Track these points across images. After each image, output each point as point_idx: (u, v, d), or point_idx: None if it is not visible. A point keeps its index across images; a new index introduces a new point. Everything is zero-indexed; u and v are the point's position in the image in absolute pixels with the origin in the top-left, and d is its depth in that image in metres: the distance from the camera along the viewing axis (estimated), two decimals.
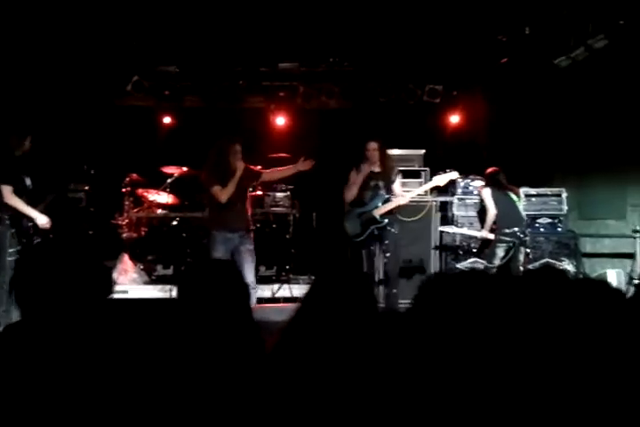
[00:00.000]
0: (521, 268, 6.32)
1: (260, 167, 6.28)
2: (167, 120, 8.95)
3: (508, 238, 6.37)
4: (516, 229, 6.37)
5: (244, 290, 2.02)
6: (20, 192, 5.45)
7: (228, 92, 8.74)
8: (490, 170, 6.74)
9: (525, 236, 6.40)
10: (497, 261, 6.40)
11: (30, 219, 5.40)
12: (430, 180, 6.64)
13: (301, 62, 8.54)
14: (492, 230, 6.61)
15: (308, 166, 5.87)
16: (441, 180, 6.34)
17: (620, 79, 6.64)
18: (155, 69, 8.43)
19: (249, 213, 5.93)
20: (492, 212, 6.51)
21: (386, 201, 6.07)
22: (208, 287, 1.93)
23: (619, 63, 6.53)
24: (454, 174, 6.46)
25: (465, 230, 7.04)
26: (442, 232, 7.24)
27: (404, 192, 6.29)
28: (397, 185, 6.23)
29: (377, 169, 6.13)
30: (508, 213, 6.50)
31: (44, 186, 6.00)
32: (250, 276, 5.59)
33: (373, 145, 6.10)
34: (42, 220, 5.41)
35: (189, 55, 8.07)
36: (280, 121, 9.09)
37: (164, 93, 8.59)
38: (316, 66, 8.58)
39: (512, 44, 7.31)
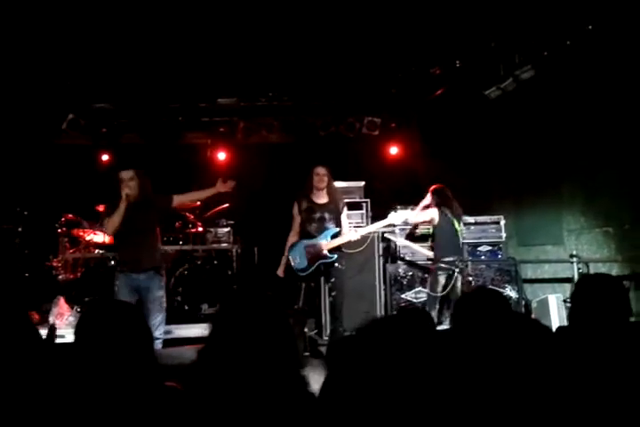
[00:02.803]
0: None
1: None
2: (105, 158, 8.81)
3: (447, 266, 6.40)
4: (454, 257, 6.41)
5: (144, 334, 1.92)
6: None
7: (167, 129, 8.68)
8: (435, 186, 6.67)
9: (465, 264, 6.44)
10: (440, 289, 6.41)
11: None
12: (385, 217, 6.33)
13: (240, 97, 8.55)
14: (432, 259, 6.65)
15: (228, 188, 5.53)
16: (396, 218, 6.24)
17: (547, 108, 6.84)
18: (90, 107, 8.31)
19: (159, 251, 5.41)
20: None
21: (335, 235, 5.85)
22: (101, 331, 1.85)
23: (545, 93, 6.73)
24: (409, 213, 6.50)
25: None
26: (385, 263, 7.24)
27: (354, 227, 6.16)
28: (344, 217, 6.01)
29: (322, 200, 5.91)
30: (448, 241, 6.54)
31: None
32: (157, 330, 5.09)
33: (322, 170, 5.87)
34: None
35: (126, 92, 7.99)
36: (221, 156, 9.06)
37: (101, 131, 8.49)
38: (256, 100, 8.61)
39: (444, 76, 7.49)
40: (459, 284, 6.33)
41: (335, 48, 6.78)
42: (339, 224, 5.90)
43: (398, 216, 6.25)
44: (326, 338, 6.36)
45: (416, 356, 1.63)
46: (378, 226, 6.43)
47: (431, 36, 6.55)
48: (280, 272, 5.92)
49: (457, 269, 6.31)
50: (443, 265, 6.39)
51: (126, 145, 8.62)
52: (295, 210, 5.93)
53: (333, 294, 5.83)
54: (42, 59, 6.65)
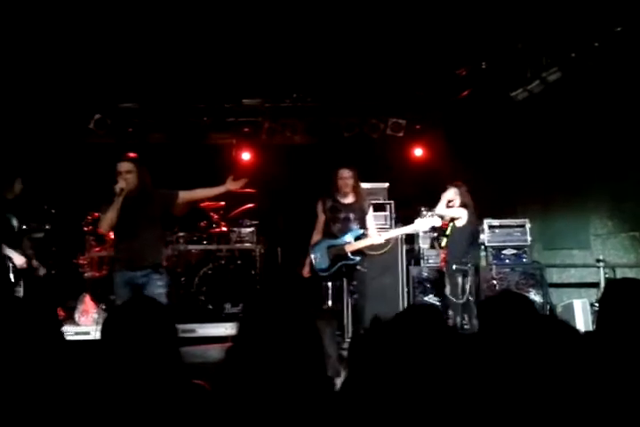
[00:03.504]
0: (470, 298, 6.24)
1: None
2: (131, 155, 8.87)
3: (462, 267, 6.30)
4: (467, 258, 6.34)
5: (170, 332, 1.94)
6: (4, 233, 5.73)
7: (193, 129, 8.74)
8: (460, 182, 6.53)
9: (474, 264, 6.37)
10: (460, 292, 6.31)
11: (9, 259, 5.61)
12: (412, 222, 6.19)
13: (265, 98, 8.58)
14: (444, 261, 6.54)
15: (238, 185, 5.21)
16: (423, 225, 6.03)
17: (575, 110, 6.77)
18: (117, 106, 8.40)
19: (160, 248, 5.09)
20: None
21: (359, 237, 5.74)
22: (126, 329, 1.87)
23: (573, 95, 6.67)
24: (437, 221, 6.08)
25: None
26: (408, 266, 7.23)
27: (379, 231, 6.01)
28: (370, 218, 5.89)
29: (348, 200, 5.80)
30: (467, 242, 6.44)
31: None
32: None
33: (347, 173, 5.75)
34: (18, 260, 5.61)
35: (152, 92, 8.06)
36: (245, 156, 9.10)
37: (128, 131, 8.56)
38: (280, 101, 8.64)
39: (470, 78, 7.45)
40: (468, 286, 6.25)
41: (361, 49, 6.77)
42: (363, 225, 5.79)
43: (424, 223, 6.02)
44: (348, 340, 6.32)
45: (430, 351, 1.62)
46: (403, 231, 6.35)
47: (457, 37, 6.52)
48: (305, 272, 5.83)
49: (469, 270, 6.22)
50: (458, 267, 6.27)
51: (152, 145, 8.68)
52: (319, 209, 5.83)
53: (356, 297, 5.70)
54: (71, 59, 6.73)
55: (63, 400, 1.81)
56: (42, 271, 6.11)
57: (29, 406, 1.79)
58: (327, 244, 5.74)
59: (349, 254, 5.67)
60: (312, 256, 5.75)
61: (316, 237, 5.84)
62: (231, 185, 5.17)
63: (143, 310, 1.95)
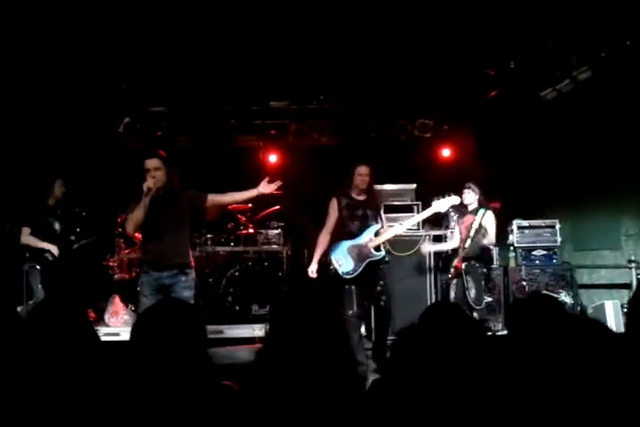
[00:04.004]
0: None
1: None
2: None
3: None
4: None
5: (200, 333, 1.95)
6: (44, 235, 6.17)
7: (220, 132, 8.80)
8: (475, 183, 6.35)
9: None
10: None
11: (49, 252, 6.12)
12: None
13: (292, 100, 8.61)
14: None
15: (271, 189, 5.01)
16: (442, 205, 5.77)
17: (605, 109, 6.68)
18: (146, 110, 8.49)
19: (187, 249, 4.90)
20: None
21: (377, 233, 5.58)
22: (155, 331, 1.88)
23: (603, 94, 6.58)
24: (455, 199, 5.83)
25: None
26: (437, 267, 7.18)
27: (399, 222, 5.94)
28: (383, 216, 5.76)
29: (362, 197, 5.65)
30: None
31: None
32: None
33: (365, 169, 5.60)
34: (55, 250, 6.14)
35: (180, 95, 8.13)
36: (272, 159, 9.12)
37: (156, 134, 8.65)
38: (307, 103, 8.65)
39: (498, 78, 7.39)
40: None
41: (388, 50, 6.76)
42: (377, 221, 5.64)
43: (444, 203, 5.77)
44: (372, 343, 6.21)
45: (459, 350, 1.61)
46: (423, 215, 6.08)
47: (486, 36, 6.47)
48: (312, 271, 5.62)
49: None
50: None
51: (180, 148, 8.75)
52: (334, 206, 5.64)
53: (383, 298, 5.47)
54: (101, 64, 6.82)
55: (95, 400, 1.83)
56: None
57: (60, 404, 1.81)
58: (347, 244, 5.55)
59: (373, 251, 5.49)
60: (333, 261, 5.52)
61: (326, 237, 5.65)
62: (264, 188, 4.99)
63: (173, 312, 1.97)
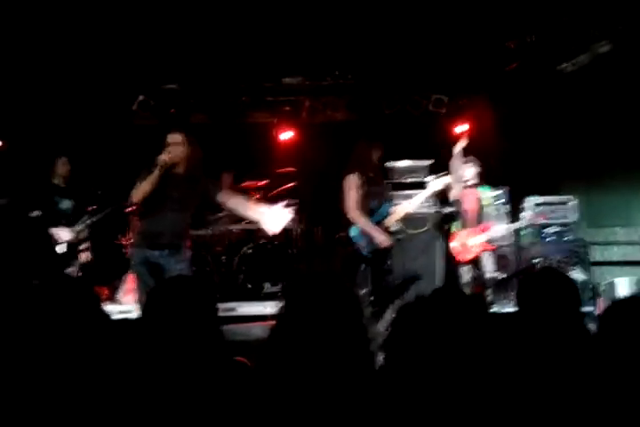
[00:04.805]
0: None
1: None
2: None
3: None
4: None
5: (211, 310, 1.96)
6: (53, 215, 6.10)
7: (233, 109, 8.77)
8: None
9: None
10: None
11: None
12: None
13: (306, 76, 8.54)
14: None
15: (274, 231, 4.93)
16: (437, 184, 5.88)
17: (624, 84, 6.59)
18: (160, 88, 8.48)
19: (186, 232, 4.80)
20: None
21: (388, 212, 5.64)
22: (167, 307, 1.90)
23: (623, 68, 6.48)
24: (449, 177, 5.96)
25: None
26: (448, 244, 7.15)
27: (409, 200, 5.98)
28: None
29: (373, 174, 5.66)
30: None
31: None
32: None
33: (381, 147, 5.68)
34: (65, 235, 6.06)
35: (193, 73, 8.11)
36: (286, 135, 9.09)
37: (170, 112, 8.64)
38: (321, 79, 8.58)
39: (516, 51, 7.28)
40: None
41: (402, 24, 6.68)
42: (389, 198, 5.77)
43: (438, 182, 5.87)
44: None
45: (466, 331, 1.62)
46: (423, 196, 6.03)
47: (504, 10, 6.38)
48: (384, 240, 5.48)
49: None
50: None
51: (194, 125, 8.74)
52: (358, 183, 5.50)
53: (389, 277, 5.60)
54: (114, 42, 6.80)
55: (105, 377, 1.86)
56: (84, 257, 6.29)
57: (69, 382, 1.84)
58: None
59: (392, 227, 5.56)
60: (355, 239, 5.50)
61: (363, 216, 5.49)
62: (266, 226, 4.84)
63: (182, 288, 1.99)
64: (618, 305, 1.90)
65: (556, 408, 1.77)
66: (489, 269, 6.02)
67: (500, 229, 6.19)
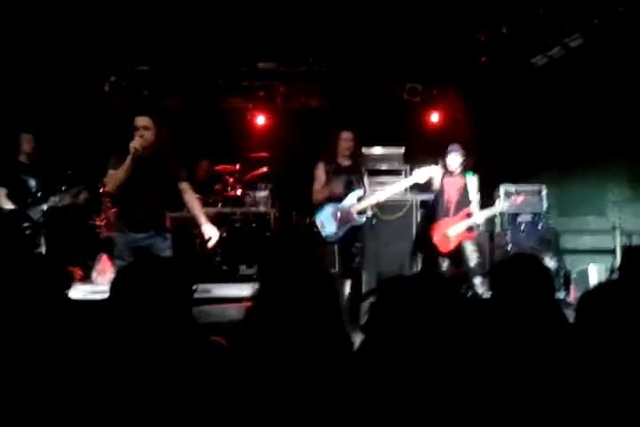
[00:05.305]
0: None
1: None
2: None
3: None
4: None
5: (179, 290, 1.96)
6: (20, 193, 5.97)
7: (208, 92, 8.71)
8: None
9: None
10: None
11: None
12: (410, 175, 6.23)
13: (281, 62, 8.51)
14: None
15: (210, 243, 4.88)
16: (420, 176, 5.92)
17: (596, 77, 6.68)
18: (132, 69, 8.36)
19: (164, 213, 4.79)
20: None
21: (360, 198, 5.70)
22: (136, 286, 1.89)
23: (594, 61, 6.57)
24: (435, 170, 6.03)
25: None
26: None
27: (382, 189, 6.02)
28: (366, 181, 5.88)
29: (347, 163, 5.75)
30: None
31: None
32: None
33: (348, 135, 5.69)
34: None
35: (168, 55, 8.01)
36: (260, 120, 9.07)
37: (143, 93, 8.54)
38: (296, 66, 8.56)
39: (489, 43, 7.34)
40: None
41: (378, 13, 6.68)
42: (361, 186, 5.76)
43: (423, 174, 5.89)
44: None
45: (445, 315, 1.63)
46: (404, 184, 6.15)
47: (477, 1, 6.41)
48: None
49: None
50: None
51: (168, 108, 8.66)
52: (321, 170, 5.72)
53: (357, 259, 5.66)
54: (86, 20, 6.68)
55: (71, 358, 1.85)
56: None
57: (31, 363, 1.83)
58: (330, 208, 5.69)
59: (355, 216, 5.64)
60: (317, 223, 5.70)
61: (321, 194, 5.68)
62: (206, 232, 4.85)
63: (153, 268, 1.97)
64: (592, 293, 1.93)
65: (532, 392, 1.80)
66: (473, 258, 5.98)
67: (482, 214, 6.17)
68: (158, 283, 1.92)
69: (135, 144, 4.42)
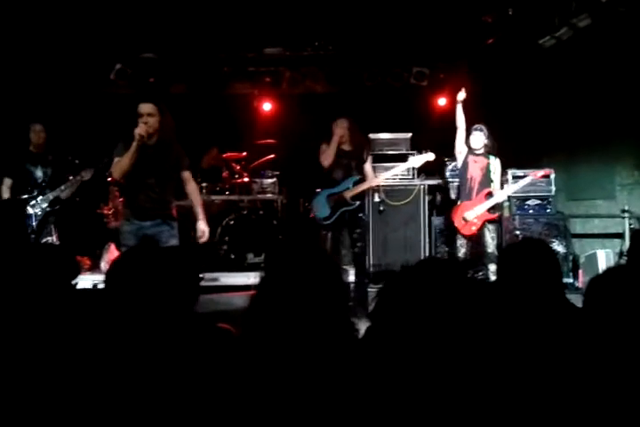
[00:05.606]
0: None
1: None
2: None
3: None
4: None
5: (179, 279, 1.95)
6: (26, 184, 6.08)
7: (214, 79, 8.67)
8: None
9: None
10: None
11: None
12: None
13: (286, 47, 8.45)
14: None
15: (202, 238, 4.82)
16: (416, 161, 6.19)
17: (604, 58, 6.60)
18: (138, 57, 8.33)
19: (171, 200, 4.78)
20: None
21: (357, 182, 5.85)
22: (136, 276, 1.89)
23: (603, 42, 6.48)
24: (430, 156, 6.21)
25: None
26: (430, 216, 7.21)
27: (377, 174, 6.13)
28: (369, 166, 5.97)
29: (348, 148, 5.90)
30: None
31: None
32: None
33: (344, 123, 5.84)
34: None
35: (173, 42, 7.97)
36: (266, 107, 9.04)
37: (149, 81, 8.52)
38: (302, 50, 8.50)
39: (496, 25, 7.25)
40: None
41: None
42: (361, 173, 5.90)
43: (418, 159, 6.16)
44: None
45: (452, 301, 1.62)
46: (400, 169, 6.40)
47: None
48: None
49: None
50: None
51: (174, 95, 8.63)
52: (324, 148, 5.89)
53: (359, 244, 5.82)
54: (92, 8, 6.65)
55: (75, 348, 1.85)
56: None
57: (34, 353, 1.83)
58: (326, 192, 5.89)
59: (349, 200, 5.80)
60: (313, 206, 5.93)
61: (329, 156, 5.79)
62: (200, 228, 4.80)
63: (150, 256, 1.97)
64: (600, 277, 1.91)
65: (538, 380, 1.79)
66: (491, 245, 5.99)
67: (503, 193, 6.18)
68: (157, 271, 1.93)
69: (140, 131, 4.42)
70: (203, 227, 4.80)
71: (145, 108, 4.50)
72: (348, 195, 5.80)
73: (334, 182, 5.88)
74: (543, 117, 7.66)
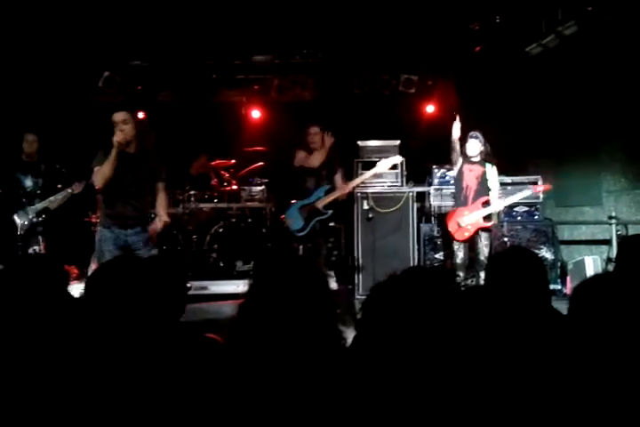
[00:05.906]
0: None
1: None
2: (140, 115, 8.83)
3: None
4: None
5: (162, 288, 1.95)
6: (14, 193, 6.08)
7: (202, 87, 8.67)
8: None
9: None
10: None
11: None
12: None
13: (275, 54, 8.46)
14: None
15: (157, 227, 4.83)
16: (384, 165, 6.25)
17: (591, 65, 6.65)
18: (126, 64, 8.32)
19: (147, 208, 4.83)
20: None
21: (328, 191, 5.92)
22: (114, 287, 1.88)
23: (589, 49, 6.53)
24: (397, 158, 6.43)
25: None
26: (419, 223, 7.23)
27: (347, 182, 6.14)
28: (339, 176, 6.02)
29: (319, 157, 5.92)
30: None
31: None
32: None
33: (314, 129, 5.91)
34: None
35: (161, 49, 7.97)
36: (255, 114, 9.04)
37: (137, 89, 8.50)
38: (290, 58, 8.52)
39: (484, 32, 7.30)
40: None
41: (372, 4, 6.64)
42: (332, 182, 5.97)
43: (387, 162, 6.24)
44: None
45: (438, 310, 1.62)
46: (369, 174, 6.45)
47: None
48: None
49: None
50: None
51: (161, 102, 8.62)
52: (299, 155, 5.99)
53: (335, 253, 6.02)
54: (79, 17, 6.64)
55: (67, 357, 1.84)
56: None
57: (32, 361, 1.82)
58: (298, 205, 5.95)
59: (322, 209, 5.87)
60: (287, 219, 5.98)
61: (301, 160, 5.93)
62: (156, 224, 4.84)
63: (131, 267, 1.96)
64: (586, 284, 1.92)
65: (522, 384, 1.79)
66: (483, 252, 5.98)
67: (500, 203, 6.17)
68: (136, 282, 1.92)
69: (118, 138, 4.46)
70: (163, 219, 4.80)
71: (119, 116, 4.56)
72: (320, 204, 5.86)
73: (306, 192, 5.94)
74: (530, 125, 7.70)
